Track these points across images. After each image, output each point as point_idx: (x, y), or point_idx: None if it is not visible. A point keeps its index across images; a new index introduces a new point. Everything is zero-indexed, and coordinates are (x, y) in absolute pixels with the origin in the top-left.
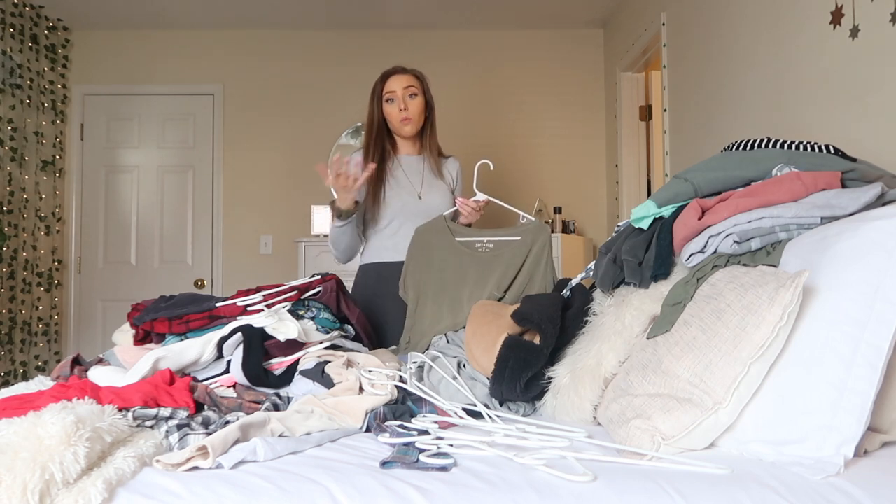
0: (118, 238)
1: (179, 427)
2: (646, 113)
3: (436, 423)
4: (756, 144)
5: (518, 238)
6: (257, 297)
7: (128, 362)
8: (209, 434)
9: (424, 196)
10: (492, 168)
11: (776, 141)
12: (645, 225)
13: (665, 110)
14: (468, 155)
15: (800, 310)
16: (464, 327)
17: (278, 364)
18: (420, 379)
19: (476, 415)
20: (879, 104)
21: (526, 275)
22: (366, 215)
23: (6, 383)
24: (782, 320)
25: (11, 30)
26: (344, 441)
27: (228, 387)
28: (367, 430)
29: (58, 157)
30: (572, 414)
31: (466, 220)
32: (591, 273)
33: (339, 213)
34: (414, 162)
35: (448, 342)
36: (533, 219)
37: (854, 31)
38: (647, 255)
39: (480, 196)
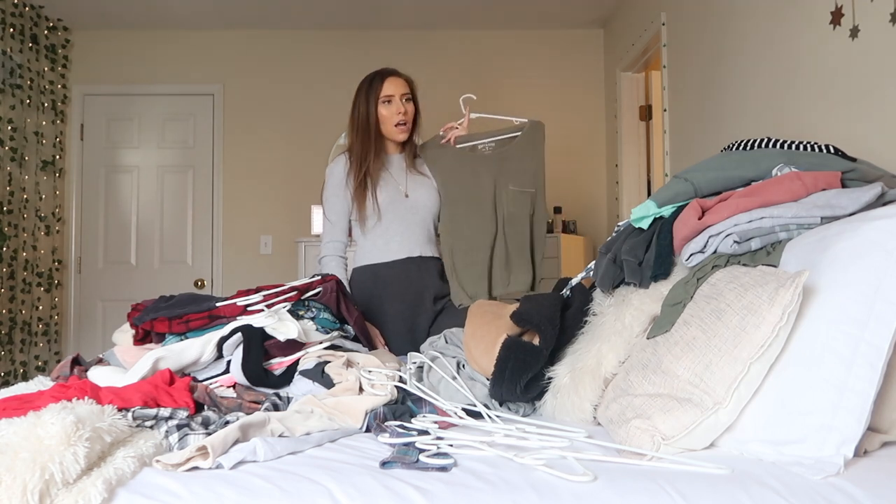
0: (118, 238)
1: (179, 427)
2: (646, 113)
3: (436, 423)
4: (756, 144)
5: (518, 134)
6: (257, 297)
7: (128, 362)
8: (209, 434)
9: (411, 194)
10: (474, 98)
11: (776, 141)
12: (645, 225)
13: (665, 110)
14: None
15: (800, 310)
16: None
17: (278, 364)
18: (419, 379)
19: (476, 415)
20: (879, 104)
21: (540, 165)
22: (353, 217)
23: (6, 383)
24: (782, 320)
25: (11, 30)
26: (344, 441)
27: (228, 387)
28: (367, 430)
29: (58, 157)
30: (572, 414)
31: (454, 136)
32: (591, 273)
33: None
34: (396, 160)
35: (447, 342)
36: (526, 119)
37: (854, 32)
38: (647, 255)
39: (473, 116)
